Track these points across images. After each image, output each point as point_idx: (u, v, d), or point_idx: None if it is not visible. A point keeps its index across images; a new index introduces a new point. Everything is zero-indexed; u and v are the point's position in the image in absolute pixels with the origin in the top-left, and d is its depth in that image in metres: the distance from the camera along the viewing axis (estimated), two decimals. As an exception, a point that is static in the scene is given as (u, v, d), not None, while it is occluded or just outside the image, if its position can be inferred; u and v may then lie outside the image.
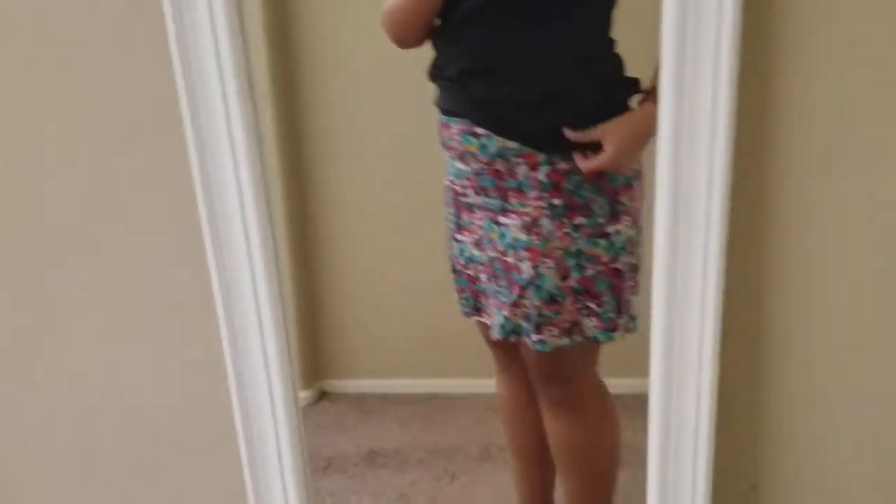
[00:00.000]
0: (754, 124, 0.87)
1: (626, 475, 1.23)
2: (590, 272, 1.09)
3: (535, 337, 1.12)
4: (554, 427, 1.22)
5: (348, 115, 1.38)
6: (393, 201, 1.42)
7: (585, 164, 1.05)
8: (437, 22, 1.09)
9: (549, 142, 1.05)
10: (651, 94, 1.03)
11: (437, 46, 1.11)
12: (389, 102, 1.35)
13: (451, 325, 1.41)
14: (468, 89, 1.08)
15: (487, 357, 1.35)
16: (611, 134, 1.03)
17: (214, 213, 0.99)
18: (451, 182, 1.18)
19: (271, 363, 1.06)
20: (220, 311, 1.03)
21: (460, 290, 1.24)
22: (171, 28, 0.90)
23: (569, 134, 1.04)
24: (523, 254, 1.09)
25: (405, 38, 1.11)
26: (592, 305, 1.11)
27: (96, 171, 1.07)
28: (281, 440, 1.08)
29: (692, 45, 0.81)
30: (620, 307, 1.12)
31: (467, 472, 1.42)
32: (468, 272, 1.20)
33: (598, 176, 1.06)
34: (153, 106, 1.02)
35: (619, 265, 1.10)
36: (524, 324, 1.12)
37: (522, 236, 1.08)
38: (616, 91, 1.07)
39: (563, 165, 1.05)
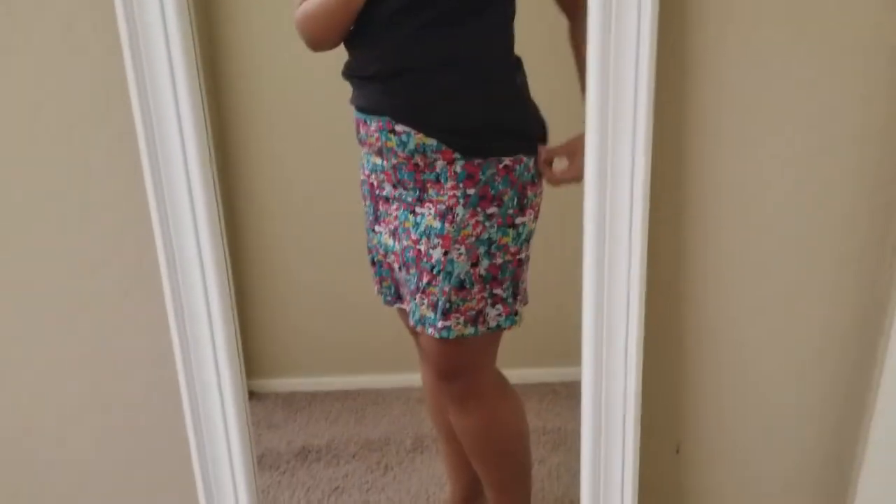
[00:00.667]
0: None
1: (557, 458, 1.31)
2: (498, 260, 1.16)
3: (440, 324, 1.16)
4: (462, 423, 1.26)
5: (267, 115, 1.39)
6: (313, 200, 1.44)
7: (555, 178, 1.15)
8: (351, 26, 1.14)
9: (464, 141, 1.12)
10: None
11: (351, 48, 1.16)
12: (306, 103, 1.37)
13: (376, 320, 1.45)
14: (387, 88, 1.12)
15: (415, 350, 1.40)
16: (578, 150, 1.10)
17: (166, 213, 1.01)
18: (367, 176, 1.23)
19: (221, 366, 1.07)
20: (171, 316, 1.04)
21: (381, 280, 1.29)
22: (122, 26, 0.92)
23: (542, 151, 1.14)
24: (436, 241, 1.14)
25: (322, 43, 1.15)
26: (499, 292, 1.17)
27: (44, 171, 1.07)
28: (231, 437, 1.10)
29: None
30: (517, 295, 1.20)
31: (401, 464, 1.46)
32: (388, 261, 1.25)
33: (509, 170, 1.14)
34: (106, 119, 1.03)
35: (521, 255, 1.18)
36: (430, 314, 1.17)
37: (436, 224, 1.14)
38: (525, 93, 1.16)
39: (478, 160, 1.12)
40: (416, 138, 1.12)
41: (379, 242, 1.25)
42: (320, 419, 1.56)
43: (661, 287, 1.06)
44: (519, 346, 1.25)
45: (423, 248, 1.16)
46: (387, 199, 1.21)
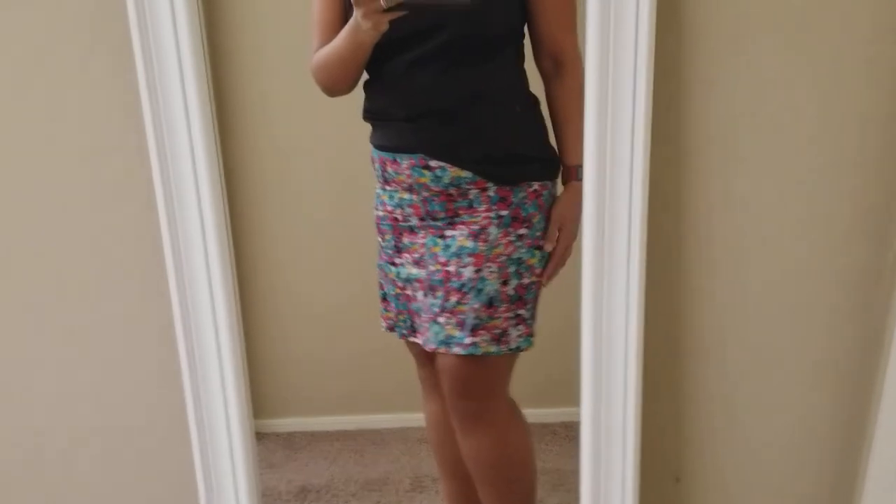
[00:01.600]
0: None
1: (556, 499, 1.34)
2: (525, 281, 1.22)
3: (468, 340, 1.20)
4: (473, 445, 1.28)
5: (276, 150, 1.43)
6: (316, 242, 1.48)
7: (556, 252, 1.23)
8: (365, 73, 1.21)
9: (498, 170, 1.19)
10: (570, 171, 1.22)
11: (374, 92, 1.22)
12: (320, 147, 1.42)
13: (376, 361, 1.49)
14: (418, 128, 1.19)
15: (415, 390, 1.42)
16: (567, 221, 1.23)
17: (179, 249, 1.05)
18: (390, 212, 1.26)
19: (230, 404, 1.10)
20: (182, 354, 1.07)
21: (397, 314, 1.32)
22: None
23: (547, 246, 1.23)
24: (468, 259, 1.20)
25: (336, 89, 1.22)
26: (522, 312, 1.22)
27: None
28: (238, 474, 1.12)
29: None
30: (534, 317, 1.25)
31: (400, 503, 1.48)
32: (406, 293, 1.29)
33: (538, 195, 1.21)
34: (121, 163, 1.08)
35: (542, 278, 1.24)
36: (457, 332, 1.21)
37: (469, 243, 1.20)
38: (541, 125, 1.24)
39: (508, 186, 1.20)
40: (451, 172, 1.18)
41: (398, 275, 1.29)
42: (320, 459, 1.58)
43: (659, 319, 1.10)
44: (519, 387, 1.28)
45: (452, 268, 1.21)
46: (412, 230, 1.25)
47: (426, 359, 1.34)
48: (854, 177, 1.06)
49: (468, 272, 1.20)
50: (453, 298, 1.21)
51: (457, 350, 1.21)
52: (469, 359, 1.21)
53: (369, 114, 1.24)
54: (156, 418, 1.18)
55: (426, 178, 1.19)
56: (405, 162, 1.20)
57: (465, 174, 1.18)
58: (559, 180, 1.25)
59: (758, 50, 1.02)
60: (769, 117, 1.04)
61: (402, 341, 1.36)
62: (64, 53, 1.05)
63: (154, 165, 1.00)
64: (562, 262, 1.25)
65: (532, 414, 1.32)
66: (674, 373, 1.14)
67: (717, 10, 1.00)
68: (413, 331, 1.31)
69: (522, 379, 1.29)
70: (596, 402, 1.06)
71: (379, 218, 1.29)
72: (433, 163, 1.18)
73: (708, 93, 1.03)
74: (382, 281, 1.33)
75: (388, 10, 1.01)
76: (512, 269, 1.21)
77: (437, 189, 1.20)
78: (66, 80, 1.06)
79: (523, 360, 1.27)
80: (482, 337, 1.20)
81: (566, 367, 1.24)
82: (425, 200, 1.21)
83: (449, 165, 1.18)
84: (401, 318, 1.32)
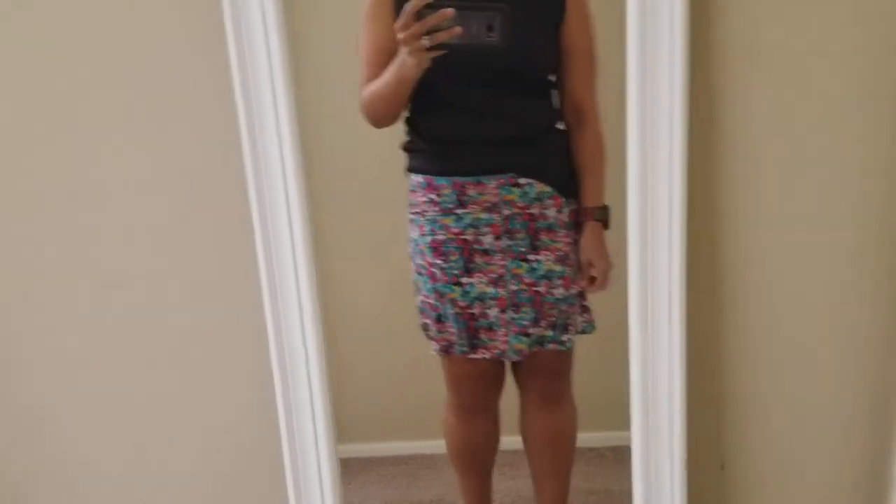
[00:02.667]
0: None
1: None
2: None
3: (564, 337, 1.42)
4: (553, 419, 1.50)
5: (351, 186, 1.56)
6: (373, 270, 1.58)
7: (594, 286, 1.41)
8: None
9: (568, 186, 1.40)
10: (587, 212, 1.40)
11: (449, 121, 1.36)
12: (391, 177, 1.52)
13: (430, 388, 1.56)
14: (510, 150, 1.36)
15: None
16: (595, 257, 1.41)
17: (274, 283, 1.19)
18: (458, 234, 1.38)
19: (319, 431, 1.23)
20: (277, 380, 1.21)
21: (458, 332, 1.43)
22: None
23: (582, 283, 1.42)
24: (558, 281, 1.39)
25: (384, 121, 1.36)
26: (586, 303, 1.46)
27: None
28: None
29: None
30: None
31: (453, 523, 1.60)
32: (470, 311, 1.41)
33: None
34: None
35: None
36: (550, 332, 1.41)
37: (557, 267, 1.39)
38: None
39: (573, 206, 1.41)
40: (538, 187, 1.36)
41: (465, 295, 1.40)
42: (375, 483, 1.69)
43: (701, 323, 1.25)
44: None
45: (542, 289, 1.39)
46: (485, 252, 1.38)
47: (478, 384, 1.49)
48: (883, 182, 1.19)
49: (559, 292, 1.40)
50: (547, 309, 1.40)
51: (552, 347, 1.41)
52: (560, 352, 1.43)
53: (445, 144, 1.38)
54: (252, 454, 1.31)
55: (514, 194, 1.36)
56: (493, 182, 1.36)
57: (547, 189, 1.37)
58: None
59: (784, 66, 1.17)
60: (799, 128, 1.19)
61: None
62: (170, 87, 1.22)
63: (252, 197, 1.16)
64: (604, 288, 1.42)
65: (580, 438, 1.45)
66: (716, 369, 1.28)
67: (746, 31, 1.16)
68: (473, 347, 1.43)
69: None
70: (644, 406, 1.20)
71: (439, 242, 1.39)
72: (522, 180, 1.36)
73: (739, 105, 1.19)
74: (437, 303, 1.43)
75: (431, 48, 1.15)
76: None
77: (522, 205, 1.36)
78: (172, 110, 1.23)
79: (575, 390, 1.43)
80: (570, 332, 1.43)
81: (612, 394, 1.37)
82: (507, 219, 1.37)
83: (535, 182, 1.36)
84: (462, 336, 1.43)
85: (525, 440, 1.54)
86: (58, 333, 1.32)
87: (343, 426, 1.68)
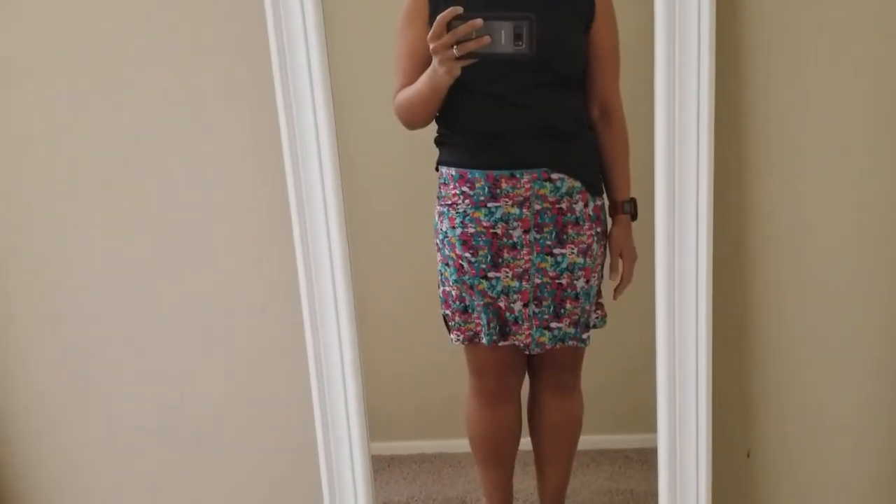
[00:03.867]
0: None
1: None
2: (601, 276, 1.48)
3: (584, 336, 1.48)
4: (565, 408, 1.55)
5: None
6: (405, 274, 1.60)
7: (623, 276, 1.45)
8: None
9: (595, 184, 1.45)
10: (617, 205, 1.45)
11: (486, 115, 1.38)
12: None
13: (454, 388, 1.59)
14: (544, 145, 1.39)
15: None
16: (625, 248, 1.46)
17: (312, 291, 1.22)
18: (488, 228, 1.41)
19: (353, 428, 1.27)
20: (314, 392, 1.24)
21: (487, 322, 1.47)
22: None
23: (614, 276, 1.47)
24: (579, 273, 1.44)
25: (417, 124, 1.41)
26: (601, 300, 1.50)
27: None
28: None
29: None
30: None
31: (477, 520, 1.62)
32: (499, 304, 1.45)
33: (604, 208, 1.47)
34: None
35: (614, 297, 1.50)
36: (571, 329, 1.46)
37: (580, 260, 1.43)
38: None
39: (598, 202, 1.45)
40: (569, 182, 1.40)
41: (492, 288, 1.44)
42: (399, 479, 1.71)
43: (728, 312, 1.29)
44: (594, 415, 1.45)
45: (564, 281, 1.43)
46: (513, 246, 1.42)
47: (503, 370, 1.53)
48: None
49: (580, 283, 1.44)
50: (568, 305, 1.44)
51: (572, 343, 1.48)
52: (577, 347, 1.49)
53: (481, 136, 1.40)
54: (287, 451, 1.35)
55: (546, 189, 1.40)
56: (526, 176, 1.39)
57: (577, 184, 1.41)
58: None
59: (812, 61, 1.21)
60: (825, 122, 1.23)
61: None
62: (213, 84, 1.27)
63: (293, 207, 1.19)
64: (630, 281, 1.47)
65: (606, 440, 1.48)
66: (742, 358, 1.33)
67: (773, 27, 1.20)
68: (503, 335, 1.48)
69: (597, 408, 1.47)
70: (671, 399, 1.24)
71: (469, 235, 1.42)
72: (555, 175, 1.39)
73: (767, 100, 1.23)
74: (465, 295, 1.46)
75: (460, 58, 1.19)
76: (601, 271, 1.47)
77: (552, 199, 1.39)
78: (213, 106, 1.28)
79: (601, 392, 1.46)
80: (590, 331, 1.49)
81: (640, 397, 1.40)
82: (537, 213, 1.40)
83: (567, 176, 1.39)
84: (491, 325, 1.47)
85: (533, 426, 1.59)
86: (95, 322, 1.36)
87: (368, 424, 1.73)
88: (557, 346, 1.46)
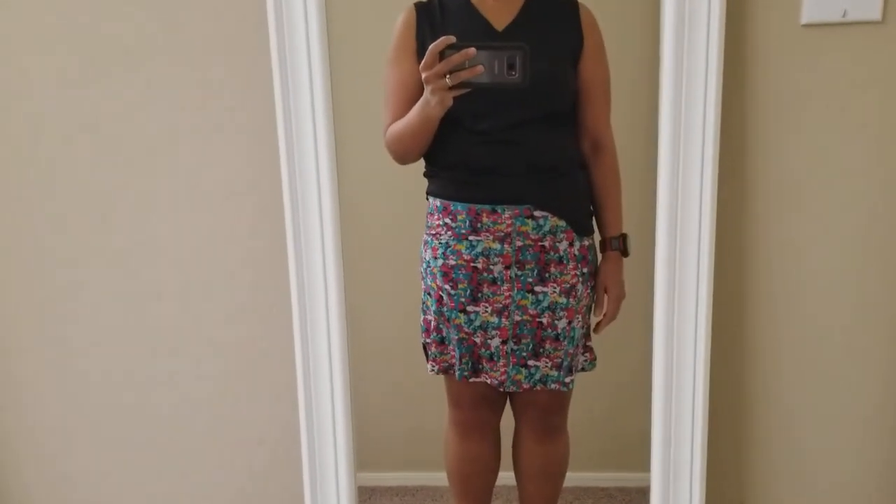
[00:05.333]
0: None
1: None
2: (590, 318, 1.46)
3: (567, 379, 1.44)
4: (548, 451, 1.52)
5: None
6: (381, 303, 1.60)
7: (607, 312, 1.44)
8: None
9: (582, 224, 1.43)
10: (608, 242, 1.45)
11: (474, 150, 1.38)
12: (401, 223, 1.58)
13: (435, 422, 1.60)
14: (531, 182, 1.38)
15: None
16: (612, 284, 1.45)
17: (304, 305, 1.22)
18: (469, 261, 1.41)
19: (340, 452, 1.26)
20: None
21: (460, 357, 1.46)
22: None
23: (598, 312, 1.45)
24: (561, 313, 1.41)
25: (409, 158, 1.41)
26: (589, 343, 1.48)
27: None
28: None
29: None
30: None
31: (458, 555, 1.61)
32: (474, 339, 1.44)
33: (593, 247, 1.45)
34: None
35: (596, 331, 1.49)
36: (554, 372, 1.43)
37: (562, 300, 1.41)
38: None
39: (586, 242, 1.43)
40: (552, 221, 1.39)
41: (469, 323, 1.43)
42: (381, 512, 1.71)
43: (724, 365, 1.28)
44: (577, 452, 1.45)
45: (545, 320, 1.41)
46: (494, 281, 1.41)
47: (479, 402, 1.52)
48: None
49: (562, 324, 1.41)
50: (548, 345, 1.42)
51: (554, 387, 1.43)
52: (562, 391, 1.45)
53: (464, 171, 1.40)
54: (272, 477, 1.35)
55: (528, 226, 1.38)
56: (508, 212, 1.38)
57: (561, 223, 1.39)
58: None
59: (812, 116, 1.22)
60: (824, 174, 1.23)
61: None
62: (214, 107, 1.27)
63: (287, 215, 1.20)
64: (613, 318, 1.46)
65: (589, 478, 1.48)
66: (738, 407, 1.32)
67: (777, 81, 1.21)
68: (475, 372, 1.47)
69: (580, 445, 1.47)
70: (666, 445, 1.24)
71: (449, 267, 1.42)
72: (538, 213, 1.38)
73: (768, 154, 1.23)
74: (442, 326, 1.47)
75: (453, 87, 1.18)
76: (587, 314, 1.45)
77: (535, 237, 1.38)
78: (213, 125, 1.28)
79: (584, 429, 1.46)
80: (573, 375, 1.45)
81: (623, 436, 1.41)
82: (519, 250, 1.39)
83: (550, 215, 1.38)
84: (463, 361, 1.47)
85: (517, 467, 1.57)
86: (82, 319, 1.36)
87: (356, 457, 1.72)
88: (538, 387, 1.44)
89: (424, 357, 1.51)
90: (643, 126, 1.40)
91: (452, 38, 1.15)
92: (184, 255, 1.30)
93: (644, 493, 1.54)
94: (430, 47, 1.16)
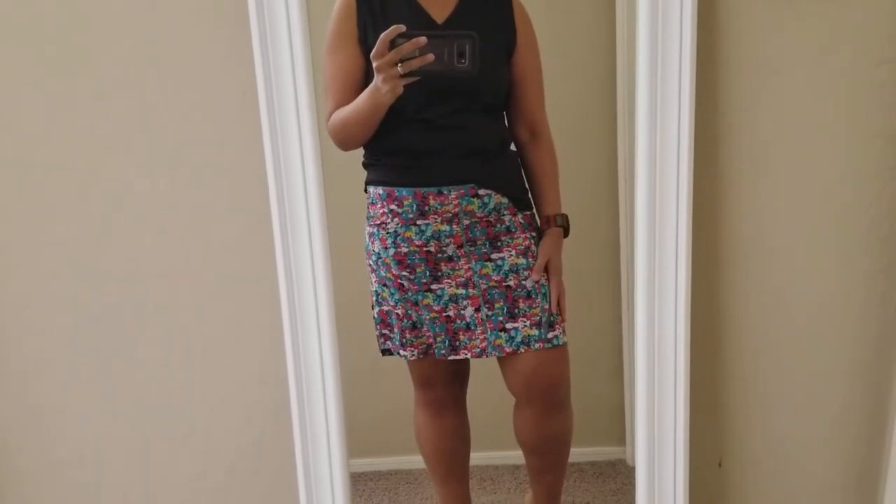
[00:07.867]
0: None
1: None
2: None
3: (551, 335, 1.46)
4: (551, 425, 1.52)
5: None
6: (350, 287, 1.56)
7: (555, 287, 1.48)
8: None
9: (522, 199, 1.49)
10: (549, 219, 1.49)
11: (419, 136, 1.41)
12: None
13: (408, 405, 1.63)
14: (473, 163, 1.43)
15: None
16: (553, 255, 1.49)
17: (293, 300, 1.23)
18: (421, 246, 1.44)
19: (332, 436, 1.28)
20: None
21: (435, 336, 1.50)
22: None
23: (534, 276, 1.47)
24: (525, 273, 1.46)
25: (353, 145, 1.44)
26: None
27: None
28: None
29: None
30: None
31: (435, 537, 1.65)
32: (446, 314, 1.48)
33: (534, 218, 1.51)
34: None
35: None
36: (534, 331, 1.45)
37: (521, 260, 1.47)
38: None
39: (528, 212, 1.50)
40: (496, 198, 1.45)
41: (438, 298, 1.47)
42: (355, 497, 1.73)
43: (702, 324, 1.34)
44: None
45: (512, 282, 1.46)
46: (450, 259, 1.45)
47: (452, 378, 1.57)
48: (872, 187, 1.31)
49: (529, 283, 1.46)
50: (522, 304, 1.46)
51: (539, 346, 1.45)
52: (552, 352, 1.46)
53: (408, 156, 1.43)
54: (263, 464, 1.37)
55: (474, 204, 1.44)
56: (454, 192, 1.42)
57: (504, 200, 1.46)
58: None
59: (784, 76, 1.27)
60: (795, 135, 1.29)
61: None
62: (195, 91, 1.28)
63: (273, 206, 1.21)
64: (559, 292, 1.49)
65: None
66: (716, 372, 1.38)
67: (749, 45, 1.27)
68: (453, 349, 1.50)
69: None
70: (650, 413, 1.30)
71: (403, 255, 1.45)
72: (482, 191, 1.43)
73: (741, 114, 1.29)
74: (411, 312, 1.49)
75: (404, 75, 1.21)
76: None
77: (481, 215, 1.44)
78: (194, 113, 1.28)
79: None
80: (559, 329, 1.47)
81: (593, 412, 1.45)
82: (467, 228, 1.44)
83: (494, 192, 1.44)
84: (439, 339, 1.50)
85: (523, 441, 1.57)
86: (69, 334, 1.34)
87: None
88: (522, 350, 1.46)
89: (380, 346, 1.54)
90: (608, 113, 1.53)
91: (403, 27, 1.19)
92: (168, 239, 1.31)
93: (614, 465, 1.62)
94: (382, 36, 1.19)
